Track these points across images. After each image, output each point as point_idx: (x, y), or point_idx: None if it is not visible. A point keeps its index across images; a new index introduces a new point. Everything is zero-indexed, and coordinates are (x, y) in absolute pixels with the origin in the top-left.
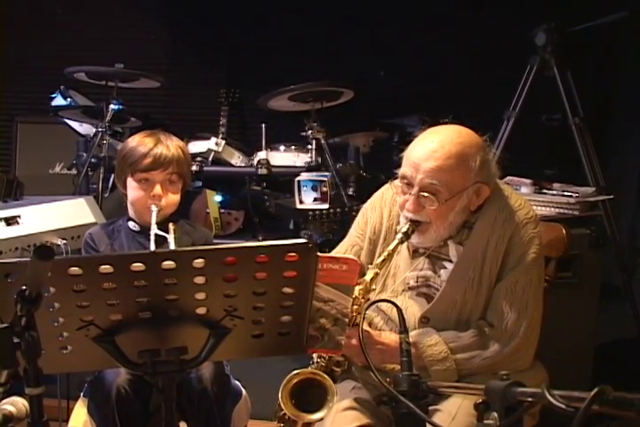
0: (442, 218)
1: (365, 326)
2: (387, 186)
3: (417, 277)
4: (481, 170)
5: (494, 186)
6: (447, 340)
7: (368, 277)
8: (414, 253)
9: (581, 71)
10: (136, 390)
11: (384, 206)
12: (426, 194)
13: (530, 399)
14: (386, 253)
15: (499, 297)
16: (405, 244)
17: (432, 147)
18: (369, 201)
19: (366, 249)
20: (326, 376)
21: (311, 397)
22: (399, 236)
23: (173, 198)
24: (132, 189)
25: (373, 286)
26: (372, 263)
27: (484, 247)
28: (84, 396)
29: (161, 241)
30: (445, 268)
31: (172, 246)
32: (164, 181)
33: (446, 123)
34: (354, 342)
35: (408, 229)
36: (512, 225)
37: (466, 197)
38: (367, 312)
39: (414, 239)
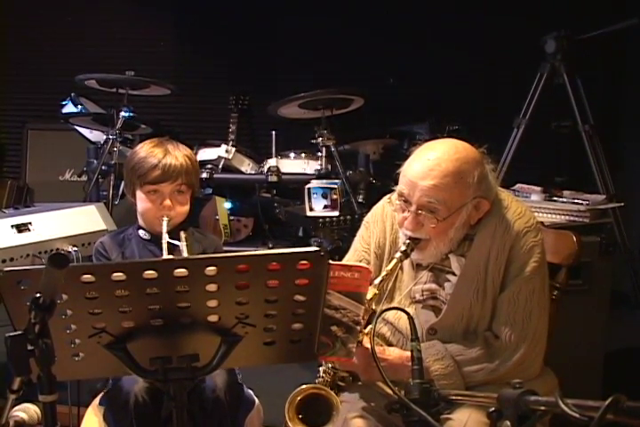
0: (442, 235)
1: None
2: (386, 198)
3: (422, 291)
4: (479, 185)
5: (494, 197)
6: (454, 353)
7: (368, 296)
8: (417, 267)
9: (591, 78)
10: (153, 398)
11: (386, 219)
12: (424, 212)
13: (543, 408)
14: (384, 273)
15: (502, 308)
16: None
17: (428, 164)
18: (370, 214)
19: (373, 264)
20: (331, 392)
21: (318, 409)
22: (397, 255)
23: (183, 208)
24: (142, 201)
25: (373, 306)
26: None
27: (486, 259)
28: (100, 404)
29: (173, 249)
30: (449, 281)
31: (185, 254)
32: (173, 192)
33: (447, 135)
34: (357, 360)
35: (407, 248)
36: (512, 235)
37: (465, 212)
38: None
39: (415, 256)
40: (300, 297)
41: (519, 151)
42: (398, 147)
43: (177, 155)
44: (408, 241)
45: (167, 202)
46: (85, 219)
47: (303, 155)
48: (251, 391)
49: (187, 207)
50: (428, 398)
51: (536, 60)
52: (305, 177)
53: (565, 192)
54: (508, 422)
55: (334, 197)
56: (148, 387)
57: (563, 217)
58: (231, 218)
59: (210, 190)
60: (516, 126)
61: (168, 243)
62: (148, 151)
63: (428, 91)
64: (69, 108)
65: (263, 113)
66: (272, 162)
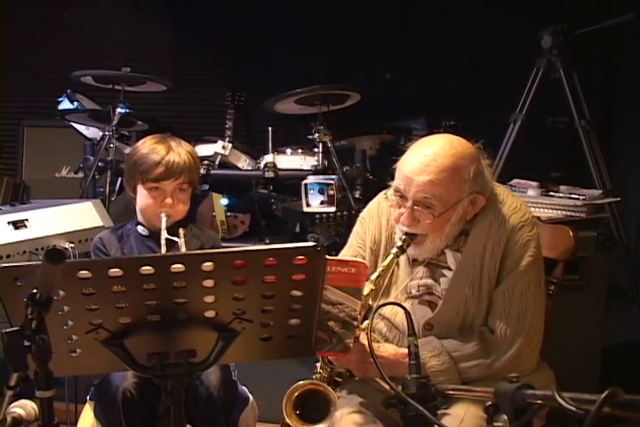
0: (438, 230)
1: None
2: (382, 194)
3: (418, 286)
4: (475, 180)
5: (490, 192)
6: (450, 349)
7: (364, 292)
8: (413, 262)
9: (588, 73)
10: (142, 394)
11: (381, 215)
12: (420, 208)
13: (540, 402)
14: (380, 269)
15: (497, 302)
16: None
17: (424, 160)
18: (366, 210)
19: (369, 260)
20: (329, 387)
21: (316, 405)
22: (394, 250)
23: (184, 207)
24: (142, 197)
25: (369, 302)
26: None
27: (482, 254)
28: (90, 399)
29: (171, 245)
30: (445, 276)
31: (183, 250)
32: (175, 190)
33: (443, 130)
34: (352, 357)
35: (403, 244)
36: (507, 230)
37: (461, 208)
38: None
39: (411, 251)
40: (296, 292)
41: (516, 146)
42: (395, 142)
43: (180, 152)
44: (404, 237)
45: (168, 200)
46: (82, 215)
47: (300, 151)
48: (245, 388)
49: (187, 206)
50: (426, 392)
51: (532, 55)
52: (302, 173)
53: (562, 187)
54: (505, 417)
55: (331, 192)
56: (137, 382)
57: (559, 212)
58: (228, 214)
59: (206, 187)
60: (512, 122)
61: (167, 239)
62: (151, 147)
63: (425, 86)
64: (65, 104)
65: (259, 109)
66: (269, 158)
